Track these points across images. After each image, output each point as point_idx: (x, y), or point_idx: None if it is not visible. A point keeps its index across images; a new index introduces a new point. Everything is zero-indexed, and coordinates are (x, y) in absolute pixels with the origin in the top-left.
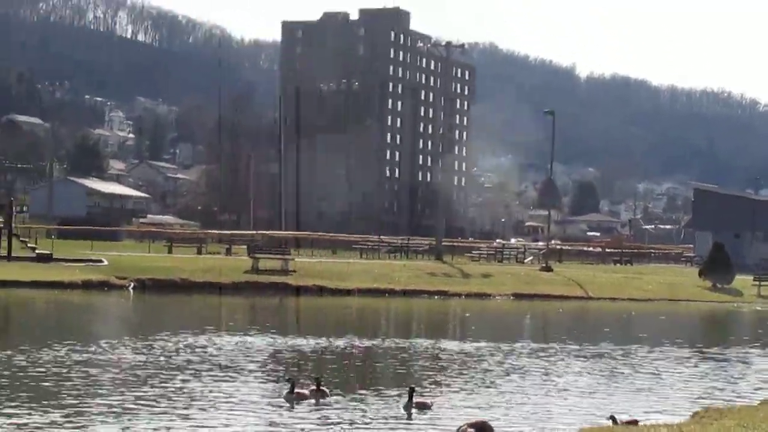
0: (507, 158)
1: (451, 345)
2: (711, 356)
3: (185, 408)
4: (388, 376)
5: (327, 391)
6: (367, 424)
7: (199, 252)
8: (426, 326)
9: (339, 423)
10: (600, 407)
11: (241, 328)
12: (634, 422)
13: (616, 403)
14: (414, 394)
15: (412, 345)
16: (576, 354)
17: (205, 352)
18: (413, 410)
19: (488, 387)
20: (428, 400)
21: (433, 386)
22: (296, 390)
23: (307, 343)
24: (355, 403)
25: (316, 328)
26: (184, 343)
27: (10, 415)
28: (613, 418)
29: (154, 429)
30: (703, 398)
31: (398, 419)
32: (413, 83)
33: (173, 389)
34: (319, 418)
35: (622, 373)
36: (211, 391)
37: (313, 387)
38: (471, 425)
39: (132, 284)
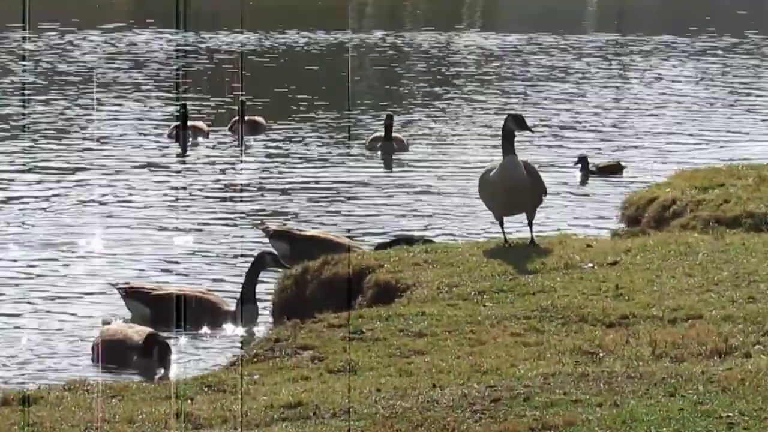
0: None
1: (466, 39)
2: None
3: (28, 141)
4: (363, 93)
5: (262, 121)
6: (315, 164)
7: None
8: (425, 12)
9: (257, 224)
10: (716, 142)
11: (123, 18)
12: (617, 168)
13: (742, 137)
14: (392, 126)
15: (404, 40)
16: (676, 50)
17: (64, 58)
18: (392, 150)
19: (519, 103)
20: (403, 136)
21: (428, 109)
22: (190, 122)
23: (230, 41)
24: (301, 137)
25: (241, 17)
26: (35, 44)
27: None
28: (583, 159)
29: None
30: None
31: (368, 160)
32: None
33: (16, 115)
34: (220, 164)
35: (754, 82)
36: (66, 119)
37: (234, 116)
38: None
39: None
